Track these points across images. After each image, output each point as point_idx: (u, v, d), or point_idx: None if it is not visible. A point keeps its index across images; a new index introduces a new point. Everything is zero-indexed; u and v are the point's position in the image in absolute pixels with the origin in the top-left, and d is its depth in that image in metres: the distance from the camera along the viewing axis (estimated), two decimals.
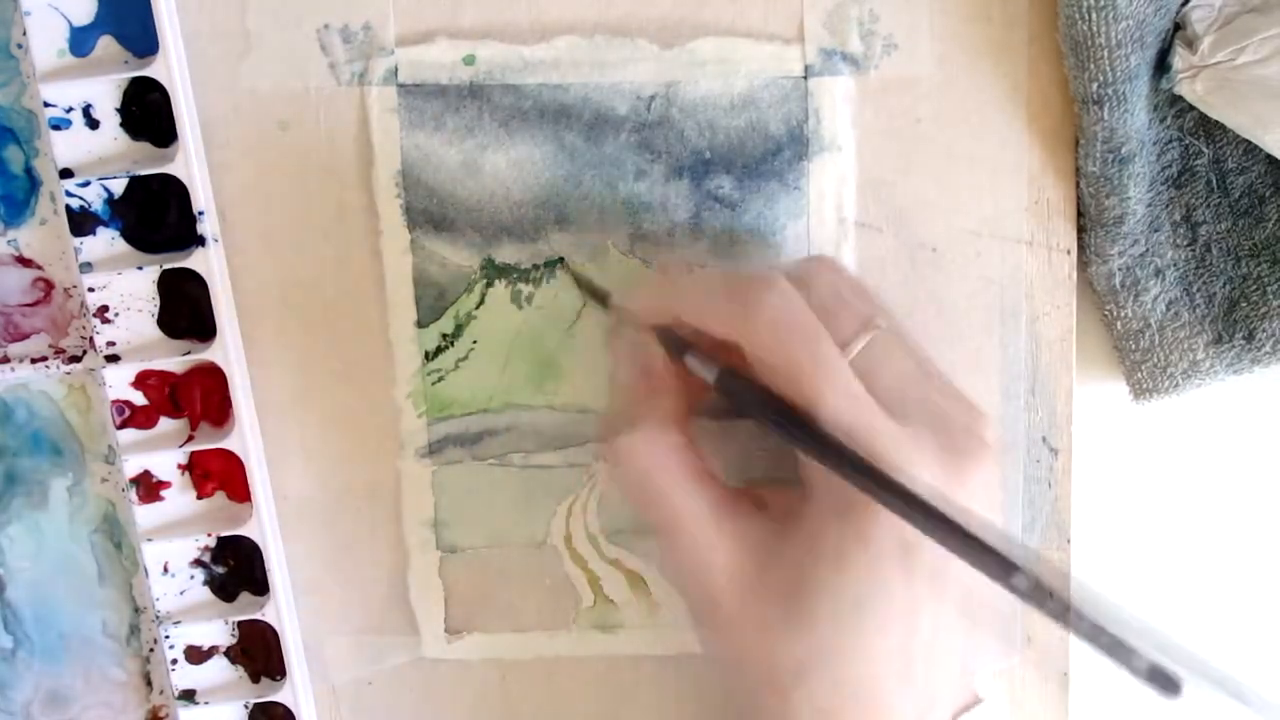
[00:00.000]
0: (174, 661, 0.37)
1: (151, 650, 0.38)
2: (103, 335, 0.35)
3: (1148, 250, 0.35)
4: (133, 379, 0.36)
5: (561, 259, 0.35)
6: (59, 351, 0.36)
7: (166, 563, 0.37)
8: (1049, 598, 0.25)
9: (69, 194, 0.34)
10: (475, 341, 0.36)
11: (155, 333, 0.36)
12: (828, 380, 0.29)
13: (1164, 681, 0.24)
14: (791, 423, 0.29)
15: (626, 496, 0.31)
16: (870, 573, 0.28)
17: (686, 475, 0.30)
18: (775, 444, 0.30)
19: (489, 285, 0.36)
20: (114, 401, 0.36)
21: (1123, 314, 0.35)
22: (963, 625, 0.30)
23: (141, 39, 0.34)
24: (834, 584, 0.28)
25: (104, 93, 0.34)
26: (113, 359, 0.35)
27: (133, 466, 0.36)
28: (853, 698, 0.28)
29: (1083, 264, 0.35)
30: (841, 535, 0.28)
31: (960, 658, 0.30)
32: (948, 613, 0.30)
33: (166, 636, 0.37)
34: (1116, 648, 0.25)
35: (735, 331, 0.29)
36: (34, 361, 0.36)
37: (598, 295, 0.35)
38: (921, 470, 0.28)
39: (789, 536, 0.30)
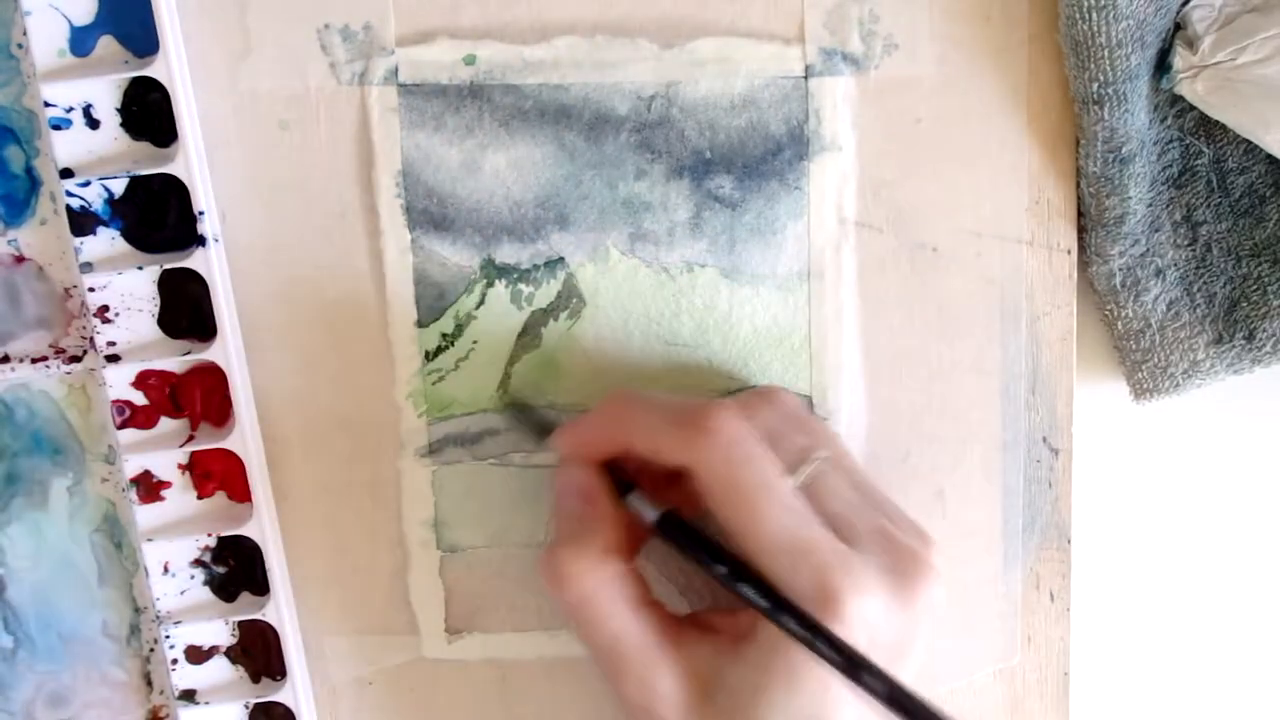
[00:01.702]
0: (174, 661, 0.37)
1: (152, 650, 0.38)
2: (103, 335, 0.35)
3: (1148, 250, 0.35)
4: (133, 379, 0.36)
5: (562, 258, 0.35)
6: (59, 351, 0.36)
7: (167, 563, 0.37)
8: None
9: (69, 194, 0.34)
10: (475, 341, 0.36)
11: (155, 333, 0.36)
12: (776, 505, 0.29)
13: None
14: (730, 573, 0.30)
15: (567, 621, 0.32)
16: (823, 693, 0.29)
17: (628, 603, 0.31)
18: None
19: (489, 285, 0.36)
20: (114, 401, 0.36)
21: (1123, 314, 0.35)
22: None
23: (142, 39, 0.34)
24: (787, 704, 0.29)
25: (104, 93, 0.34)
26: (113, 359, 0.35)
27: (133, 466, 0.36)
28: None
29: (1083, 264, 0.35)
30: (792, 657, 0.29)
31: None
32: None
33: (167, 636, 0.37)
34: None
35: (685, 455, 0.30)
36: (34, 361, 0.36)
37: (540, 429, 0.35)
38: (869, 592, 0.28)
39: (739, 659, 0.30)
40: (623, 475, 0.33)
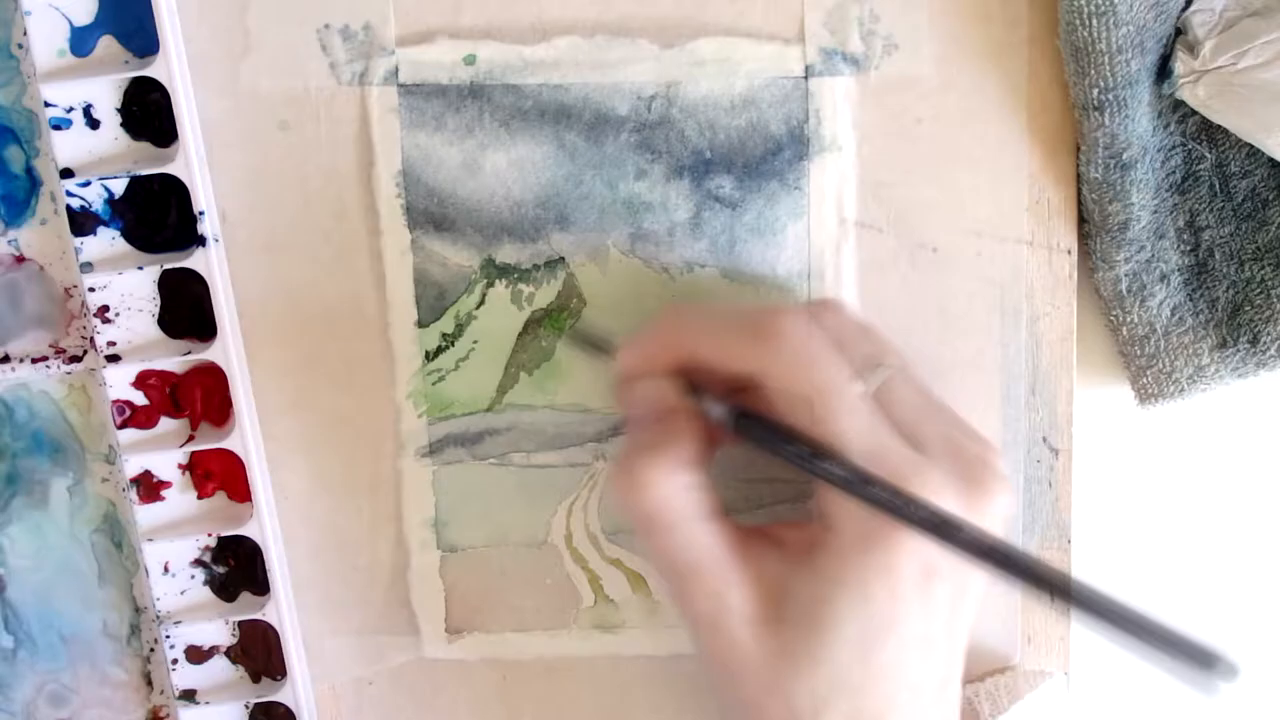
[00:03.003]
0: (174, 661, 0.37)
1: (152, 650, 0.38)
2: (103, 335, 0.35)
3: (1153, 256, 0.35)
4: (133, 379, 0.36)
5: (562, 258, 0.35)
6: (59, 351, 0.36)
7: (167, 563, 0.37)
8: (1089, 606, 0.26)
9: (69, 194, 0.34)
10: (475, 341, 0.36)
11: (155, 333, 0.36)
12: (848, 409, 0.29)
13: (1205, 660, 0.25)
14: (812, 454, 0.29)
15: (638, 536, 0.31)
16: (893, 602, 0.28)
17: (701, 514, 0.30)
18: (791, 482, 0.30)
19: (489, 285, 0.36)
20: (114, 401, 0.36)
21: (1128, 319, 0.35)
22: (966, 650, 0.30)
23: (142, 39, 0.34)
24: (856, 614, 0.28)
25: (104, 93, 0.34)
26: (113, 359, 0.35)
27: (133, 466, 0.36)
28: None
29: (1088, 270, 0.35)
30: (864, 565, 0.28)
31: (960, 685, 0.31)
32: (961, 640, 0.30)
33: (167, 636, 0.37)
34: (1157, 640, 0.25)
35: (755, 363, 0.30)
36: (34, 361, 0.36)
37: (601, 346, 0.35)
38: (941, 500, 0.28)
39: (808, 570, 0.30)
40: (687, 383, 0.32)
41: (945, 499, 0.28)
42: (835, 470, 0.29)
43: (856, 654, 0.28)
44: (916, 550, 0.28)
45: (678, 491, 0.30)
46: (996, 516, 0.29)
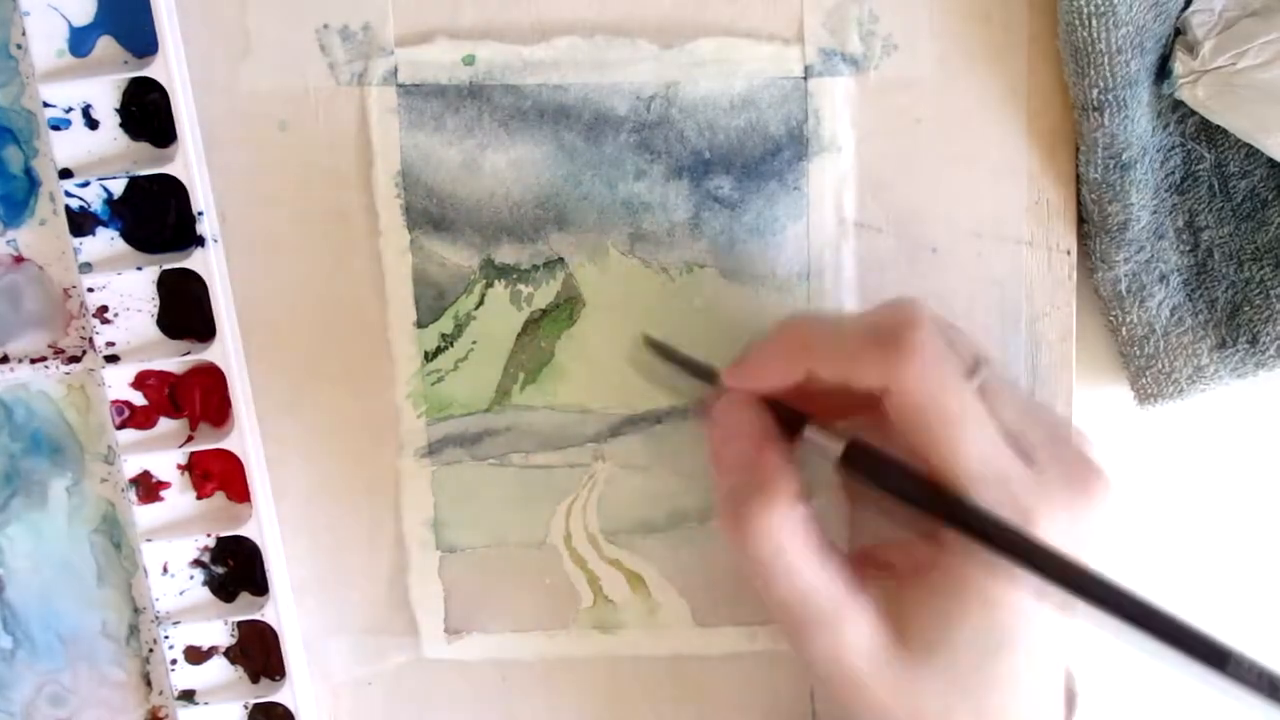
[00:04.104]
0: (173, 662, 0.37)
1: (151, 650, 0.38)
2: (102, 335, 0.35)
3: (1153, 256, 0.35)
4: (132, 379, 0.36)
5: (561, 259, 0.35)
6: (59, 351, 0.36)
7: (166, 563, 0.37)
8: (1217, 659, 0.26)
9: (68, 194, 0.34)
10: (475, 342, 0.36)
11: (155, 333, 0.36)
12: (977, 430, 0.28)
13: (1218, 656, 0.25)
14: (928, 494, 0.28)
15: (753, 577, 0.30)
16: (1016, 611, 0.28)
17: (816, 552, 0.29)
18: (903, 516, 0.29)
19: (488, 285, 0.36)
20: (113, 401, 0.36)
21: (1128, 320, 0.35)
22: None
23: (141, 39, 0.34)
24: (980, 624, 0.28)
25: (103, 93, 0.34)
26: (112, 359, 0.35)
27: (132, 466, 0.36)
28: None
29: (1088, 270, 0.35)
30: (986, 576, 0.28)
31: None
32: (1068, 643, 0.30)
33: (166, 637, 0.37)
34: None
35: (883, 377, 0.28)
36: (34, 361, 0.36)
37: (702, 373, 0.33)
38: (1057, 510, 0.28)
39: (927, 590, 0.29)
40: (789, 411, 0.30)
41: (1060, 510, 0.28)
42: (948, 510, 0.28)
43: (981, 663, 0.28)
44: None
45: (794, 532, 0.29)
46: (1105, 515, 0.29)
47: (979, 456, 0.28)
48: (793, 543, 0.29)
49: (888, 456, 0.29)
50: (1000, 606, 0.28)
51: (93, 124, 0.34)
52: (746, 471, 0.30)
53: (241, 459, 0.36)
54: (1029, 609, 0.28)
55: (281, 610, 0.36)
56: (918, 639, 0.29)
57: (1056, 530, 0.28)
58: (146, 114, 0.35)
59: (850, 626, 0.29)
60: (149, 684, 0.38)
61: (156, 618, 0.37)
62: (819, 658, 0.29)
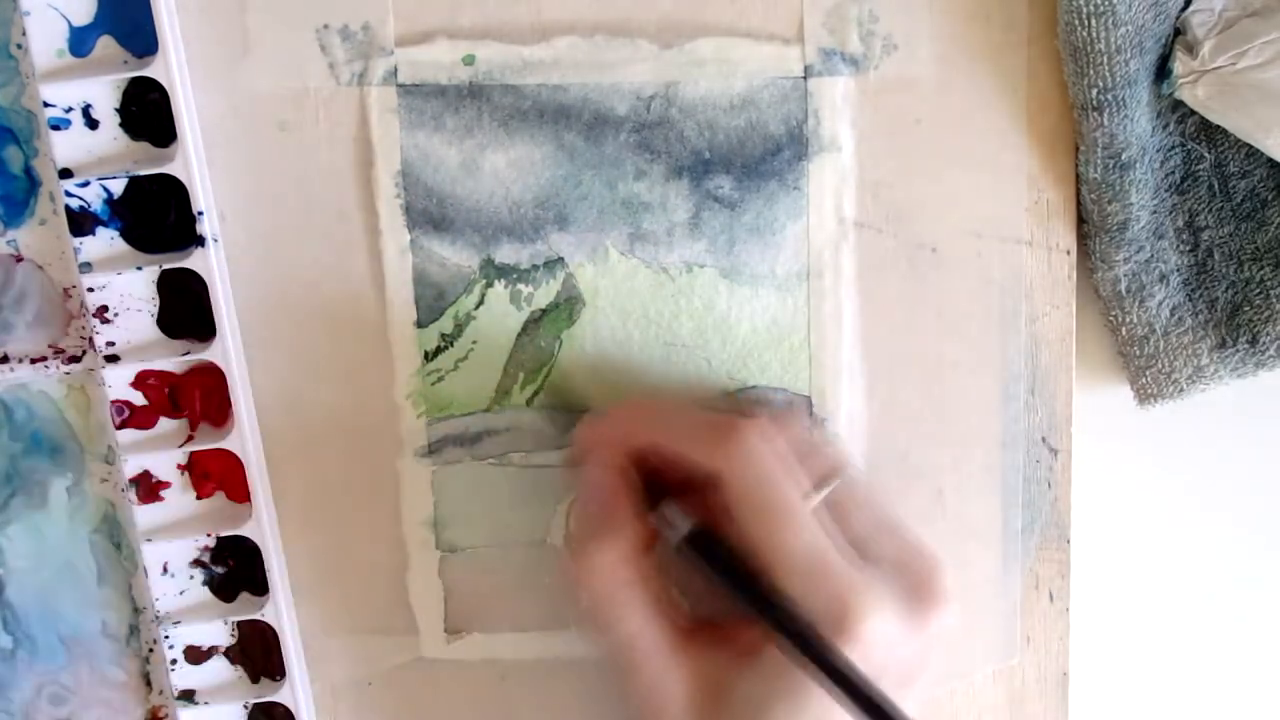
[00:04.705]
0: (174, 661, 0.37)
1: (151, 650, 0.38)
2: (102, 335, 0.35)
3: (1152, 256, 0.35)
4: (132, 379, 0.36)
5: (561, 259, 0.35)
6: (59, 351, 0.36)
7: (166, 563, 0.37)
8: None
9: (68, 194, 0.34)
10: (475, 342, 0.36)
11: (155, 333, 0.36)
12: (797, 523, 0.30)
13: None
14: (753, 595, 0.30)
15: (583, 620, 0.32)
16: (826, 712, 0.29)
17: (646, 605, 0.31)
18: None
19: (488, 285, 0.36)
20: (114, 401, 0.36)
21: (1128, 320, 0.35)
22: None
23: (141, 39, 0.34)
24: (789, 716, 0.29)
25: (103, 93, 0.34)
26: (112, 359, 0.35)
27: (132, 466, 0.36)
28: None
29: (1088, 270, 0.35)
30: (798, 679, 0.29)
31: None
32: None
33: (166, 637, 0.37)
34: None
35: (712, 465, 0.30)
36: (34, 361, 0.36)
37: (572, 407, 0.35)
38: (884, 612, 0.29)
39: (750, 671, 0.30)
40: (651, 477, 0.32)
41: (889, 614, 0.29)
42: (768, 621, 0.29)
43: None
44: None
45: (626, 582, 0.31)
46: (939, 634, 0.30)
47: (800, 550, 0.29)
48: (621, 593, 0.30)
49: (725, 546, 0.31)
50: (809, 705, 0.29)
51: (93, 124, 0.34)
52: (593, 522, 0.31)
53: (242, 459, 0.36)
54: (841, 713, 0.29)
55: (282, 610, 0.36)
56: (727, 715, 0.30)
57: (883, 633, 0.29)
58: (146, 114, 0.35)
59: (667, 681, 0.30)
60: (149, 684, 0.38)
61: (157, 617, 0.37)
62: (640, 704, 0.31)
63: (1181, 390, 0.35)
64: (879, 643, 0.29)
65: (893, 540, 0.31)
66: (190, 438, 0.36)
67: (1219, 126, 0.34)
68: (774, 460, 0.30)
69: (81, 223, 0.35)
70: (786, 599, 0.29)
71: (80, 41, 0.34)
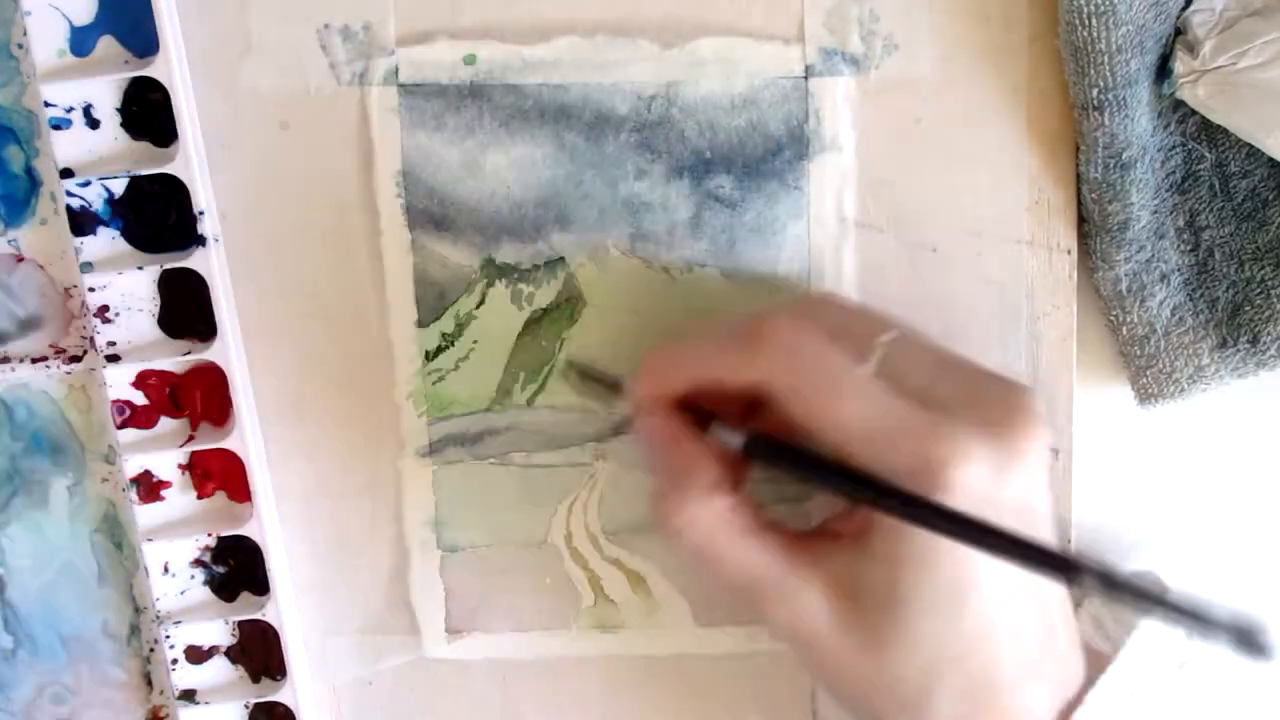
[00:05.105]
0: (174, 661, 0.37)
1: (152, 650, 0.38)
2: (103, 335, 0.35)
3: (1153, 256, 0.35)
4: (133, 379, 0.36)
5: (562, 258, 0.35)
6: (59, 351, 0.36)
7: (167, 563, 0.37)
8: (1117, 588, 0.26)
9: (69, 194, 0.34)
10: (475, 341, 0.36)
11: (155, 333, 0.36)
12: (851, 393, 0.28)
13: (1249, 639, 0.24)
14: (828, 471, 0.29)
15: (702, 572, 0.30)
16: (955, 566, 0.28)
17: (746, 532, 0.30)
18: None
19: (489, 285, 0.36)
20: (114, 401, 0.36)
21: (1128, 320, 0.35)
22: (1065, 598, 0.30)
23: (142, 39, 0.34)
24: (927, 581, 0.28)
25: (104, 93, 0.34)
26: (113, 359, 0.35)
27: (133, 466, 0.36)
28: (985, 693, 0.28)
29: (1088, 270, 0.35)
30: (913, 540, 0.28)
31: (1072, 631, 0.30)
32: (1049, 589, 0.30)
33: (167, 636, 0.37)
34: (1193, 617, 0.25)
35: (753, 372, 0.29)
36: (34, 361, 0.36)
37: (608, 385, 0.34)
38: (971, 453, 0.27)
39: (868, 555, 0.29)
40: (700, 410, 0.31)
41: (977, 453, 0.27)
42: (850, 489, 0.28)
43: (942, 625, 0.28)
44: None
45: (716, 519, 0.30)
46: (1038, 456, 0.28)
47: (862, 418, 0.28)
48: (717, 531, 0.30)
49: (783, 442, 0.30)
50: (938, 562, 0.28)
51: (94, 123, 0.34)
52: (665, 472, 0.31)
53: (242, 458, 0.36)
54: (973, 559, 0.28)
55: (282, 610, 0.36)
56: (870, 603, 0.29)
57: (977, 474, 0.27)
58: (147, 113, 0.35)
59: (798, 598, 0.29)
60: (150, 684, 0.38)
61: (157, 617, 0.37)
62: (781, 631, 0.30)
63: (1182, 390, 0.35)
64: (974, 484, 0.27)
65: (960, 378, 0.29)
66: (191, 437, 0.36)
67: (1220, 126, 0.34)
68: (811, 344, 0.29)
69: (82, 222, 0.35)
70: (865, 469, 0.28)
71: (81, 41, 0.34)
